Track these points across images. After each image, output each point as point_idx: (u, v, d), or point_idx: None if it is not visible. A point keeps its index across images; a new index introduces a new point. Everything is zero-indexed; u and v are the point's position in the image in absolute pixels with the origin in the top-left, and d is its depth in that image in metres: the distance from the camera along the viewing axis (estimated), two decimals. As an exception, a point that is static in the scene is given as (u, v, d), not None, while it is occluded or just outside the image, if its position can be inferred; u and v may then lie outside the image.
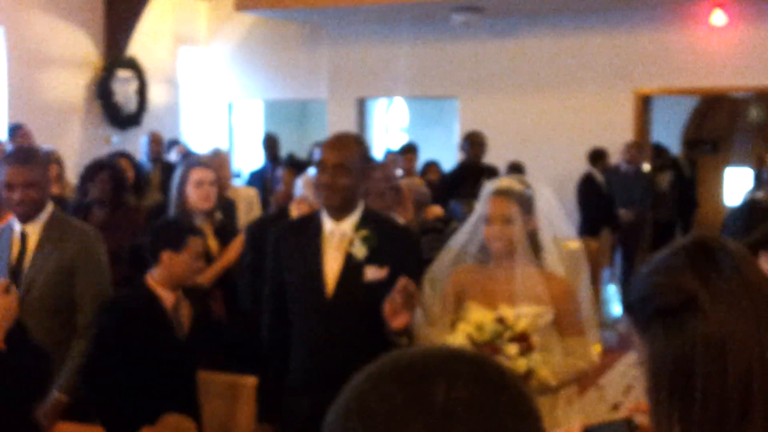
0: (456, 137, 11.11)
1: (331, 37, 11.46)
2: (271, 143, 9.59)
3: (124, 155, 6.95)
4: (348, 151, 3.08)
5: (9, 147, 7.38)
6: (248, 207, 6.05)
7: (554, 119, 10.44)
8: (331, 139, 3.21)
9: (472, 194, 5.95)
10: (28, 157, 3.64)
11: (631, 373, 7.08)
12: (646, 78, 10.12)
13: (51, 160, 6.02)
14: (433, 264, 3.25)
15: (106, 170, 5.35)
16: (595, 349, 7.95)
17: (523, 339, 2.90)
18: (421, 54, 11.04)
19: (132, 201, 5.96)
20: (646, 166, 10.14)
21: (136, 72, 10.65)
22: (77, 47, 10.08)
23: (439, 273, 3.23)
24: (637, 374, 7.01)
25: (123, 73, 10.47)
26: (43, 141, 7.67)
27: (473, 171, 7.64)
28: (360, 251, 3.07)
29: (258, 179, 8.79)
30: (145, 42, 10.71)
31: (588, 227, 9.21)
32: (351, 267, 3.09)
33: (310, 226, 3.18)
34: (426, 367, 0.88)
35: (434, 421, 0.84)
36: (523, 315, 2.97)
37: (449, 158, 10.13)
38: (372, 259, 3.08)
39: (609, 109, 10.21)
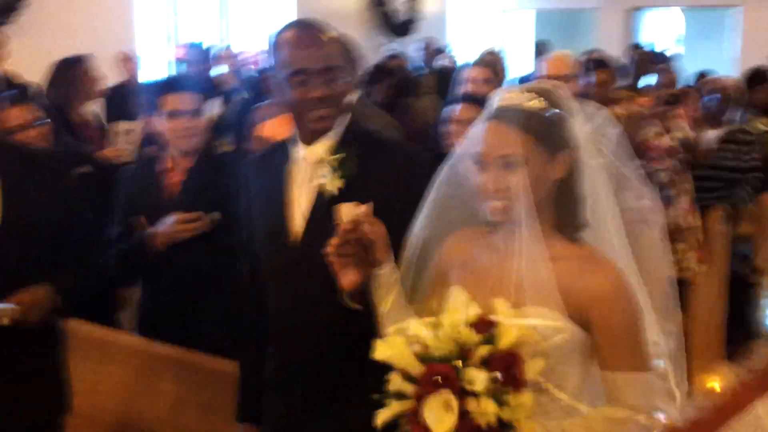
0: (736, 49, 10.51)
1: (607, -57, 11.15)
2: (543, 51, 9.48)
3: (398, 57, 7.30)
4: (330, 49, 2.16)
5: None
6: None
7: None
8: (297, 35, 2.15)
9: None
10: None
11: None
12: None
13: None
14: (423, 223, 2.02)
15: (388, 78, 5.62)
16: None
17: (506, 363, 1.62)
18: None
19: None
20: None
21: (408, -19, 11.04)
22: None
23: (434, 236, 2.01)
24: None
25: (396, -18, 10.90)
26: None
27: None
28: (333, 183, 2.16)
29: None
30: (419, -49, 11.02)
31: None
32: (321, 205, 2.18)
33: (277, 154, 2.31)
34: None
35: None
36: (526, 321, 1.71)
37: (725, 71, 9.62)
38: (351, 192, 2.12)
39: None
